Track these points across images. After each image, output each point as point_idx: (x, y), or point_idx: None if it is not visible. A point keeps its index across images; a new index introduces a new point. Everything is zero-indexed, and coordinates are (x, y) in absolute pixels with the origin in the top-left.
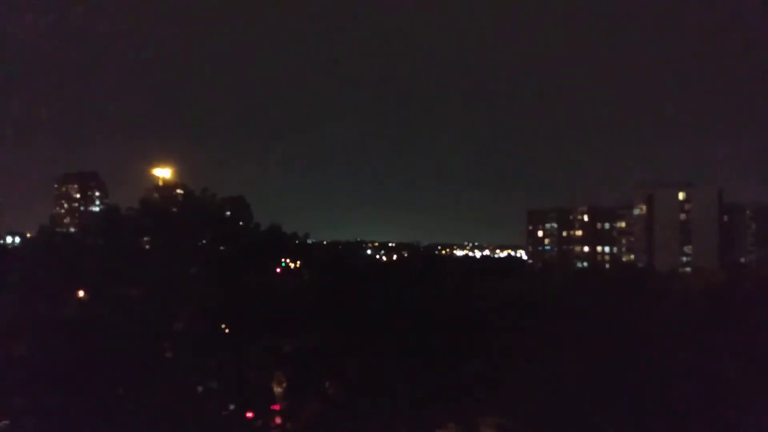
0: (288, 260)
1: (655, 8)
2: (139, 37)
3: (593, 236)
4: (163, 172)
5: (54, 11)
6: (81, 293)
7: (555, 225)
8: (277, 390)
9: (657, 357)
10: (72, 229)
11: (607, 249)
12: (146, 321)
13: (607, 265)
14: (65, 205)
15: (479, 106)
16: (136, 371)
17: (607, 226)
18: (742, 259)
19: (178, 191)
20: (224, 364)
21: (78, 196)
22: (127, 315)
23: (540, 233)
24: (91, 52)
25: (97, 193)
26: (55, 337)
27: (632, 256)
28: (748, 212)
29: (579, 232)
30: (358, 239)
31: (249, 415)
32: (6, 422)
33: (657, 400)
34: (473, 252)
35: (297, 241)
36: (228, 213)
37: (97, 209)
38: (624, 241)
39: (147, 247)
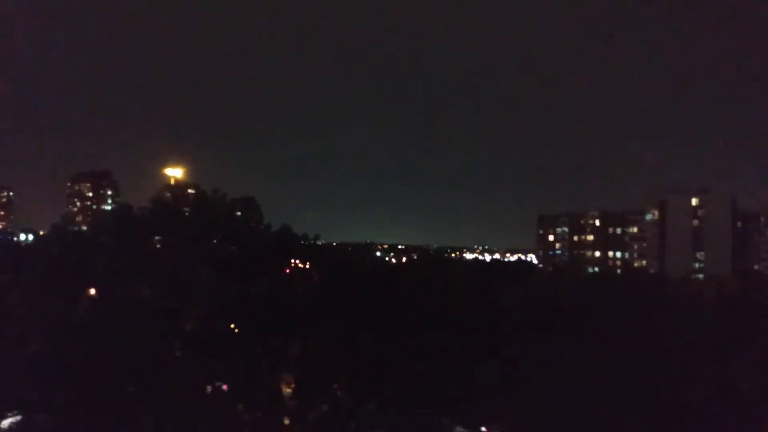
0: (298, 261)
1: (669, 12)
2: (154, 38)
3: (604, 241)
4: (175, 172)
5: (73, 15)
6: (92, 291)
7: (566, 229)
8: (286, 391)
9: (669, 363)
10: (84, 228)
11: (618, 254)
12: (156, 320)
13: (619, 271)
14: (78, 204)
15: (491, 110)
16: (145, 370)
17: (618, 231)
18: (756, 266)
19: (190, 191)
20: (233, 364)
21: (90, 194)
22: (138, 314)
23: (551, 237)
24: (106, 54)
25: (109, 192)
26: (67, 336)
27: (644, 262)
28: (762, 219)
29: (590, 237)
30: (368, 241)
31: (257, 415)
32: (18, 417)
33: (668, 405)
34: (483, 255)
35: (306, 243)
36: (238, 213)
37: (109, 208)
38: (636, 246)
39: (158, 246)
